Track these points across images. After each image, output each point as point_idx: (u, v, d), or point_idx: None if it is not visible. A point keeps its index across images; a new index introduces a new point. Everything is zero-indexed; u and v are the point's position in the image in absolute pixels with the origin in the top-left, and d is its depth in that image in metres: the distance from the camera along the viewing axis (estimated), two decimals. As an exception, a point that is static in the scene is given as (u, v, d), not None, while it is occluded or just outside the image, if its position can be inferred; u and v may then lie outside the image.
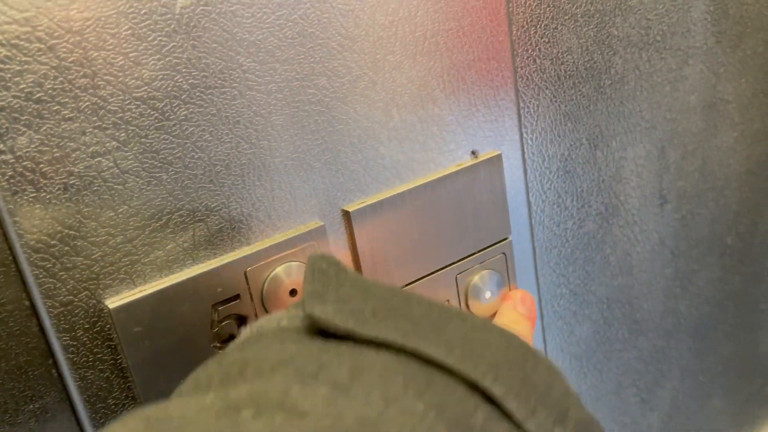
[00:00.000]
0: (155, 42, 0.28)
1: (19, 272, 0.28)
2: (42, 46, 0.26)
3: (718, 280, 0.61)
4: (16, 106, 0.26)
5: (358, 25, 0.33)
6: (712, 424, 0.66)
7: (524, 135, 0.44)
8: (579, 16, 0.45)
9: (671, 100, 0.52)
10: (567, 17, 0.44)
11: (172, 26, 0.28)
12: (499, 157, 0.40)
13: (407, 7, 0.34)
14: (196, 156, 0.30)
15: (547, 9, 0.43)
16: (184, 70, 0.29)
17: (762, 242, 0.65)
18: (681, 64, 0.52)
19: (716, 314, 0.62)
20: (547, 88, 0.44)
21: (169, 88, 0.29)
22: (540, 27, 0.43)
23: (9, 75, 0.25)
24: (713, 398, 0.65)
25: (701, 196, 0.57)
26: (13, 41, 0.25)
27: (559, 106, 0.45)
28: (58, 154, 0.27)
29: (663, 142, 0.53)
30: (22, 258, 0.27)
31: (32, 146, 0.26)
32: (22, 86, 0.26)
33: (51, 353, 0.29)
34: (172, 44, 0.28)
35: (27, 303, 0.28)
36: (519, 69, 0.43)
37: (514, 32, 0.41)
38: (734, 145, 0.58)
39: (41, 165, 0.26)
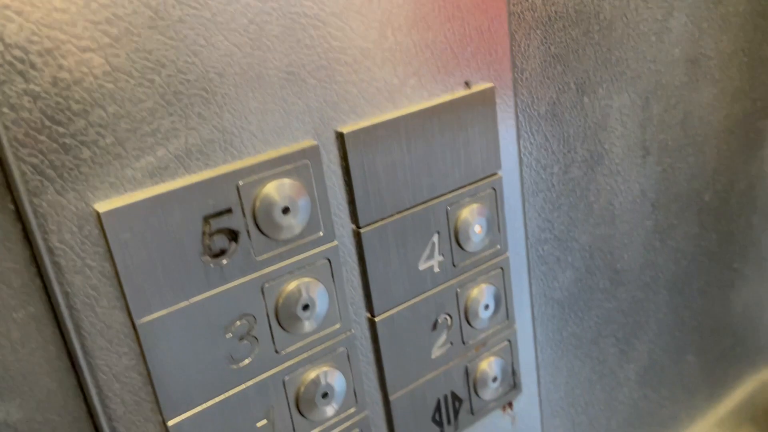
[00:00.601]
0: (150, -64, 0.27)
1: (4, 171, 0.27)
2: (33, -72, 0.25)
3: (696, 235, 0.62)
4: (4, -9, 0.25)
5: (356, -60, 0.32)
6: (686, 379, 0.67)
7: (515, 74, 0.43)
8: (571, -44, 0.45)
9: (656, 51, 0.53)
10: (559, -43, 0.44)
11: None
12: (492, 89, 0.39)
13: (405, -75, 0.34)
14: (190, 60, 0.29)
15: (540, -54, 0.43)
16: (179, -32, 0.28)
17: (738, 202, 0.66)
18: (666, 15, 0.53)
19: (692, 270, 0.63)
20: (538, 28, 0.44)
21: (163, -14, 0.28)
22: (532, -36, 0.43)
23: (-3, -43, 0.24)
24: (687, 354, 0.66)
25: (681, 150, 0.58)
26: None
27: (549, 47, 0.45)
28: (48, 46, 0.26)
29: (647, 93, 0.53)
30: (9, 152, 0.26)
31: (22, 35, 0.25)
32: (11, -30, 0.25)
33: (35, 259, 0.28)
34: (167, -60, 0.27)
35: (12, 207, 0.27)
36: (512, 6, 0.42)
37: (508, -34, 0.41)
38: (713, 101, 0.59)
39: (31, 55, 0.25)
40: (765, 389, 0.77)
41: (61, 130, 0.26)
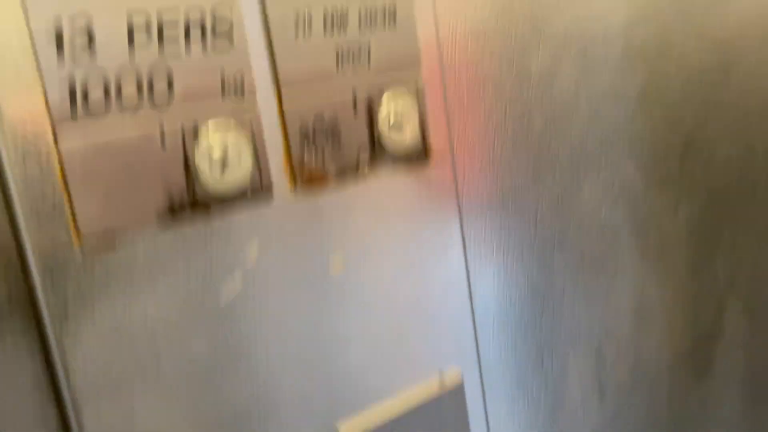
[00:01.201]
0: (204, 326, 0.37)
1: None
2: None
3: (654, 457, 0.70)
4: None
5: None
6: None
7: (481, 355, 0.53)
8: (523, 250, 0.56)
9: (605, 309, 0.63)
10: (516, 254, 0.55)
11: (217, 314, 0.38)
12: (461, 386, 0.49)
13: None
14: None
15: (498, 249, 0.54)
16: (222, 347, 0.38)
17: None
18: (611, 279, 0.64)
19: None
20: (501, 330, 0.55)
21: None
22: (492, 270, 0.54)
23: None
24: None
25: (635, 387, 0.67)
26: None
27: (510, 337, 0.56)
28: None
29: (600, 343, 0.63)
30: None
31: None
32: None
33: None
34: (217, 327, 0.38)
35: None
36: (476, 318, 0.53)
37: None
38: (660, 344, 0.69)
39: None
40: None
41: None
